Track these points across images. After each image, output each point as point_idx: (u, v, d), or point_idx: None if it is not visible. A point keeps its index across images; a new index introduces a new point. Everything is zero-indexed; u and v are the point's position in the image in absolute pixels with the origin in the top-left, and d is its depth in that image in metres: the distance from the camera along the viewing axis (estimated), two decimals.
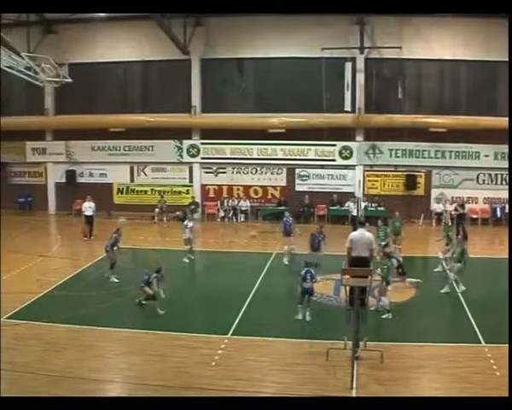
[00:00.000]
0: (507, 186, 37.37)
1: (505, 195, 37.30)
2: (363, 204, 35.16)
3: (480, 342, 17.89)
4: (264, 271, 25.77)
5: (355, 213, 32.71)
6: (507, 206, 37.33)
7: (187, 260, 26.91)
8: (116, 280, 23.70)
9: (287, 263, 26.85)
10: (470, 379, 15.35)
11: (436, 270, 25.75)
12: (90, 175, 40.49)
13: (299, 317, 19.42)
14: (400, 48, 35.52)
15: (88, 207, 32.87)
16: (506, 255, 29.61)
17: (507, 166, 36.98)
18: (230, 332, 18.49)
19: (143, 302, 20.23)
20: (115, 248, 24.64)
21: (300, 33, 36.35)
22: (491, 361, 16.40)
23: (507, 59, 36.27)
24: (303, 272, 19.36)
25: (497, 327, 18.85)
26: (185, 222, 28.11)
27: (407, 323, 19.89)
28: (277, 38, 36.90)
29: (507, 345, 16.89)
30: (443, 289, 22.56)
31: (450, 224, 29.58)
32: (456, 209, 34.36)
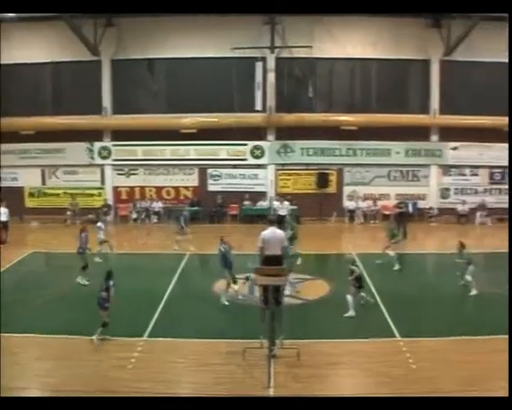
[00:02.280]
0: (418, 182, 38.31)
1: (416, 191, 38.40)
2: (286, 203, 35.18)
3: (395, 337, 18.08)
4: (179, 272, 25.54)
5: (282, 213, 32.65)
6: (419, 201, 38.19)
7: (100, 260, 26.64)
8: (86, 283, 23.04)
9: (176, 248, 28.28)
10: (387, 373, 15.47)
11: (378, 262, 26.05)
12: (0, 179, 39.47)
13: None
14: (311, 47, 35.43)
15: (3, 213, 32.10)
16: (418, 250, 30.26)
17: (418, 162, 37.80)
18: (146, 334, 18.22)
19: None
20: (88, 249, 24.14)
21: (211, 33, 36.25)
22: (407, 355, 16.60)
23: (417, 57, 37.07)
24: None
25: (411, 321, 19.26)
26: (98, 224, 27.86)
27: (322, 320, 19.91)
28: (188, 38, 36.67)
29: (422, 339, 17.60)
30: (471, 293, 22.46)
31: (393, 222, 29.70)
32: (398, 207, 35.01)
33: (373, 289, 22.45)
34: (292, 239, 25.95)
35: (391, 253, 26.04)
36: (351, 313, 19.87)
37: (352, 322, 19.52)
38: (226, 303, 21.16)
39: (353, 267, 20.58)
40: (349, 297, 20.06)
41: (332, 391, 14.56)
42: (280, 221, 27.51)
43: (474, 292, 22.35)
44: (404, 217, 33.77)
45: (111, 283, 17.76)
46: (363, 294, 20.56)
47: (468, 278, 22.64)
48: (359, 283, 20.43)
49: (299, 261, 25.54)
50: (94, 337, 17.38)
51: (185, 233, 29.80)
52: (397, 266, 25.71)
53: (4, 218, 32.09)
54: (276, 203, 35.73)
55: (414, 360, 16.17)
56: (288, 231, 25.46)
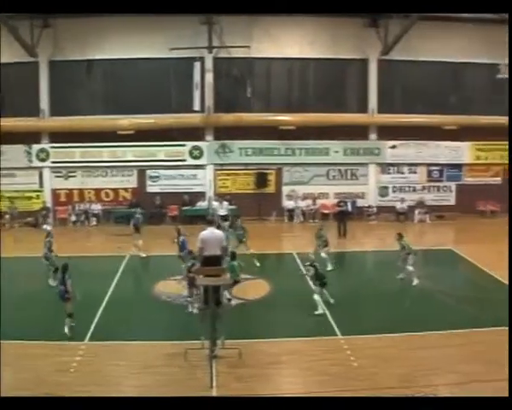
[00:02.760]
0: (356, 181, 38.68)
1: (355, 189, 38.76)
2: (225, 203, 35.24)
3: (336, 335, 18.30)
4: (119, 273, 25.42)
5: (221, 213, 32.63)
6: (357, 200, 38.47)
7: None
8: (54, 284, 22.62)
9: (144, 255, 28.01)
10: (328, 371, 15.69)
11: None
12: None
13: None
14: (249, 47, 35.48)
15: None
16: (357, 249, 30.47)
17: (356, 161, 38.19)
18: (87, 338, 18.09)
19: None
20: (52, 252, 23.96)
21: (149, 34, 35.92)
22: (348, 352, 16.86)
23: (354, 57, 37.37)
24: None
25: (352, 319, 19.53)
26: (44, 226, 27.57)
27: (264, 319, 20.08)
28: (126, 38, 36.37)
29: (363, 336, 17.86)
30: (413, 283, 23.04)
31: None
32: (338, 206, 35.28)
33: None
34: (242, 240, 26.30)
35: (323, 254, 25.97)
36: (320, 310, 20.08)
37: (292, 321, 19.70)
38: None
39: (308, 267, 21.02)
40: (316, 296, 20.35)
41: (274, 391, 14.75)
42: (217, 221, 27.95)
43: (415, 282, 22.95)
44: (345, 215, 34.05)
45: (66, 276, 18.62)
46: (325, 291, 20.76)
47: (410, 268, 23.16)
48: (320, 280, 20.67)
49: (257, 263, 26.25)
50: (66, 331, 18.10)
51: (138, 237, 29.24)
52: (330, 267, 25.34)
53: None
54: (215, 204, 35.76)
55: (355, 358, 16.44)
56: (239, 232, 26.57)
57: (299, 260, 26.19)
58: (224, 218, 32.33)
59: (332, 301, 20.73)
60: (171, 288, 22.68)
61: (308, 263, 21.36)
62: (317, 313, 19.96)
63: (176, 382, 15.12)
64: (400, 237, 23.91)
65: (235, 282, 20.55)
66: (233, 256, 20.94)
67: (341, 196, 38.00)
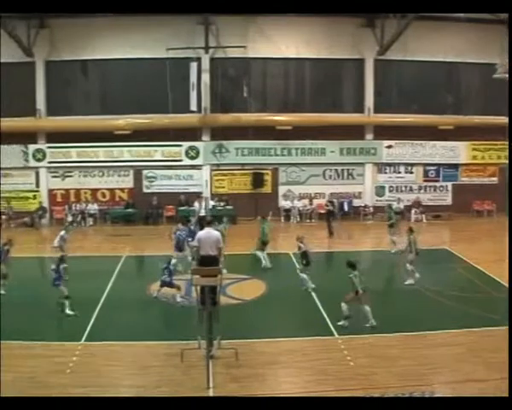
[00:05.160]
0: (353, 181, 38.78)
1: (352, 189, 38.91)
2: (211, 203, 35.17)
3: (332, 335, 18.29)
4: (115, 274, 25.32)
5: (202, 213, 32.53)
6: (354, 200, 38.65)
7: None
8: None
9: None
10: (326, 371, 15.67)
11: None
12: None
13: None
14: (245, 47, 35.78)
15: None
16: (354, 249, 30.35)
17: (352, 161, 38.25)
18: (84, 339, 17.98)
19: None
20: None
21: (145, 34, 35.91)
22: (345, 352, 16.84)
23: (350, 57, 37.36)
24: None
25: (349, 319, 19.16)
26: (62, 233, 27.31)
27: (260, 319, 20.08)
28: (122, 39, 36.33)
29: (359, 336, 17.90)
30: (406, 281, 23.37)
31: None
32: (326, 205, 35.31)
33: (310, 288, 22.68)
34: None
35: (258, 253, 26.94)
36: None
37: (289, 321, 19.82)
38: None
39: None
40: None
41: (270, 391, 14.74)
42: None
43: (408, 282, 23.25)
44: (330, 216, 34.10)
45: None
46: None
47: (408, 266, 23.30)
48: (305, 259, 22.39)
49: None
50: (67, 311, 19.74)
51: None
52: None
53: None
54: (196, 204, 35.39)
55: (351, 357, 16.42)
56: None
57: (295, 260, 26.16)
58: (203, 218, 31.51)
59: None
60: (167, 288, 22.58)
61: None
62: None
63: (172, 382, 15.06)
64: (411, 231, 23.94)
65: (357, 293, 18.89)
66: (352, 266, 19.39)
67: (338, 195, 38.18)
